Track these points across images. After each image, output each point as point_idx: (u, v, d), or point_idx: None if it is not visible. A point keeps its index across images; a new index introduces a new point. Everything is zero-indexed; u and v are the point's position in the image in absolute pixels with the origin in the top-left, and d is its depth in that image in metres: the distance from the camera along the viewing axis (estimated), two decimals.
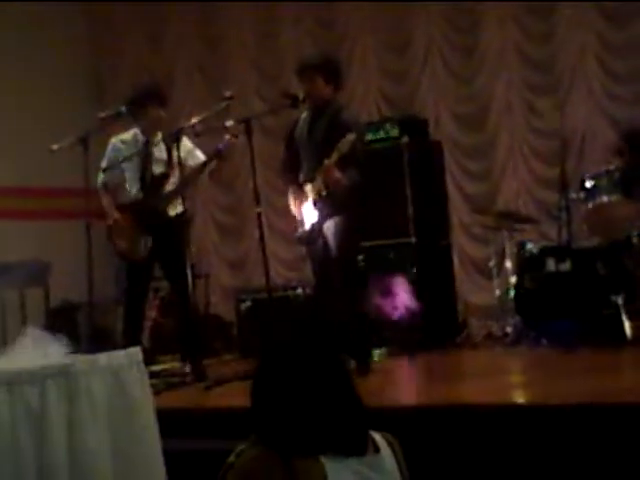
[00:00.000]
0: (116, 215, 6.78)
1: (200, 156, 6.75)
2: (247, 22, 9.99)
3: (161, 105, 6.84)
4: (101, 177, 6.91)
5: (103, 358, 3.66)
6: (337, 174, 6.15)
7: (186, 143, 6.69)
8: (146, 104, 6.74)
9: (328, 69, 6.45)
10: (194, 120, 6.43)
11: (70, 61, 10.59)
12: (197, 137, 6.57)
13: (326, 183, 6.20)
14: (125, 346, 5.31)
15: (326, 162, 6.15)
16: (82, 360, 3.65)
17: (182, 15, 10.35)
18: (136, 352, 3.78)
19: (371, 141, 7.68)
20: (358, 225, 6.44)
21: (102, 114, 6.74)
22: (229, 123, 6.23)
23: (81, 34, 10.74)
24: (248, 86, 9.79)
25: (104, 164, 6.91)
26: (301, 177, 6.50)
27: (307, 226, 6.39)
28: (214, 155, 6.58)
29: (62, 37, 10.39)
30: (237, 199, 10.00)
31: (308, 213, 6.37)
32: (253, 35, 10.00)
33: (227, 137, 6.45)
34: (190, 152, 6.74)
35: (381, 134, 8.02)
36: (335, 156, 6.10)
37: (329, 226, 6.33)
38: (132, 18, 10.63)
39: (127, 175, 6.89)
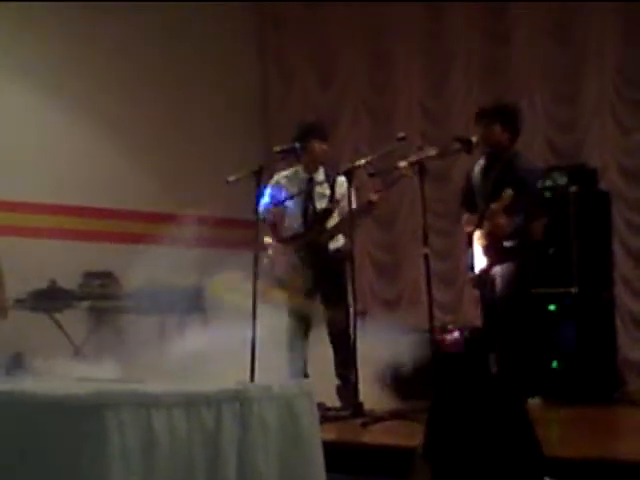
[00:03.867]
0: (276, 248, 6.93)
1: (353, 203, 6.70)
2: (416, 66, 10.07)
3: (323, 140, 6.99)
4: (262, 212, 6.87)
5: (276, 386, 3.76)
6: (501, 219, 6.24)
7: (343, 184, 6.71)
8: (310, 139, 6.89)
9: (506, 116, 6.63)
10: (365, 160, 6.53)
11: (238, 94, 10.82)
12: (370, 177, 6.65)
13: (491, 229, 6.27)
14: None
15: (492, 206, 6.24)
16: (256, 387, 3.77)
17: (352, 55, 10.50)
18: (308, 383, 3.89)
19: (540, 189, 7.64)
20: (528, 272, 6.43)
21: (277, 148, 6.91)
22: (402, 164, 6.30)
23: (252, 68, 11.00)
24: (413, 128, 9.84)
25: (266, 200, 6.96)
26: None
27: (477, 270, 6.44)
28: (364, 209, 6.70)
29: (232, 70, 10.64)
30: (395, 238, 10.06)
31: (478, 258, 6.43)
32: (422, 78, 10.07)
33: (376, 190, 6.57)
34: (344, 195, 6.70)
35: (549, 182, 7.97)
36: (499, 205, 6.22)
37: (497, 270, 6.37)
38: (303, 55, 10.84)
39: (288, 211, 7.03)
